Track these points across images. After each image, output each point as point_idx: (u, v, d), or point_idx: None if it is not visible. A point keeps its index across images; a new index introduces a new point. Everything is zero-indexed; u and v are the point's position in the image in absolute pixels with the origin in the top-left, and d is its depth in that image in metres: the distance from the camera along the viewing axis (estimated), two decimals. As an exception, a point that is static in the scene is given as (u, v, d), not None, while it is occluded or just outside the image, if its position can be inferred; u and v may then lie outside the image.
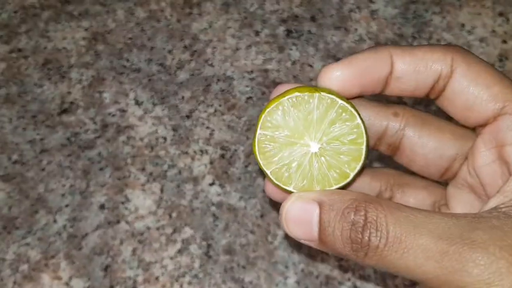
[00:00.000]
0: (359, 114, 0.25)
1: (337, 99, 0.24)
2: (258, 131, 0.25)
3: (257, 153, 0.25)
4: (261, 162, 0.25)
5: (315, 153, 0.24)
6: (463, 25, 0.59)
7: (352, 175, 0.25)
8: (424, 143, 0.27)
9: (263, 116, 0.25)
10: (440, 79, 0.24)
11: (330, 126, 0.24)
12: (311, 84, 0.22)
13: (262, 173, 0.29)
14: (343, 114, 0.24)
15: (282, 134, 0.25)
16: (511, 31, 0.58)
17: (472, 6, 0.61)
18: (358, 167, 0.25)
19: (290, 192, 0.25)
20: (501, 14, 0.60)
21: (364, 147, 0.25)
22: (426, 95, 0.25)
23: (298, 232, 0.23)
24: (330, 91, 0.24)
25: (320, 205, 0.22)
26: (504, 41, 0.57)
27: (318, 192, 0.23)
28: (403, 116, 0.26)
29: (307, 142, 0.24)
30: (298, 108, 0.24)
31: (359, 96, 0.26)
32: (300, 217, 0.22)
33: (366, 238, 0.20)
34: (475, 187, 0.27)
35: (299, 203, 0.22)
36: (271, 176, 0.25)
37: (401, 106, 0.26)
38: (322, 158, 0.24)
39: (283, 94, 0.25)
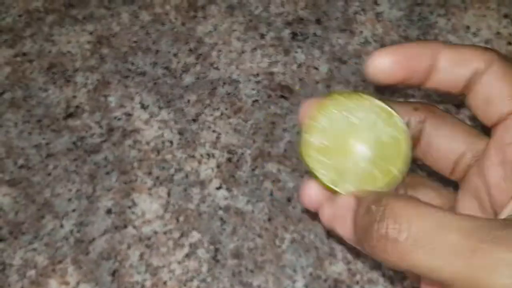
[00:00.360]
0: (399, 117, 0.26)
1: (381, 103, 0.25)
2: (308, 136, 0.26)
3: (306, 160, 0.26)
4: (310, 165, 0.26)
5: (362, 155, 0.25)
6: (468, 27, 0.59)
7: (396, 173, 0.25)
8: (439, 134, 0.28)
9: (310, 121, 0.26)
10: (476, 75, 0.24)
11: (374, 129, 0.25)
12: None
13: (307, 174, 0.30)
14: (386, 117, 0.25)
15: (330, 138, 0.25)
16: (516, 32, 0.58)
17: (477, 8, 0.61)
18: (402, 166, 0.25)
19: (337, 192, 0.26)
20: (506, 16, 0.60)
21: (406, 146, 0.25)
22: (460, 91, 0.25)
23: (338, 229, 0.25)
24: (369, 96, 0.26)
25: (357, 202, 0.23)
26: (509, 43, 0.57)
27: (358, 191, 0.24)
28: (423, 110, 0.28)
29: (354, 145, 0.25)
30: (343, 113, 0.25)
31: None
32: (338, 213, 0.24)
33: (383, 230, 0.20)
34: (480, 192, 0.26)
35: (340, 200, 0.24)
36: (326, 182, 0.26)
37: (420, 102, 0.27)
38: (369, 159, 0.25)
39: (326, 101, 0.26)
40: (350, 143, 0.25)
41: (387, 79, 0.25)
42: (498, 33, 0.58)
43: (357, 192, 0.24)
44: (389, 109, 0.25)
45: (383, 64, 0.25)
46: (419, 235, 0.19)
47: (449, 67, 0.25)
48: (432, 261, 0.19)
